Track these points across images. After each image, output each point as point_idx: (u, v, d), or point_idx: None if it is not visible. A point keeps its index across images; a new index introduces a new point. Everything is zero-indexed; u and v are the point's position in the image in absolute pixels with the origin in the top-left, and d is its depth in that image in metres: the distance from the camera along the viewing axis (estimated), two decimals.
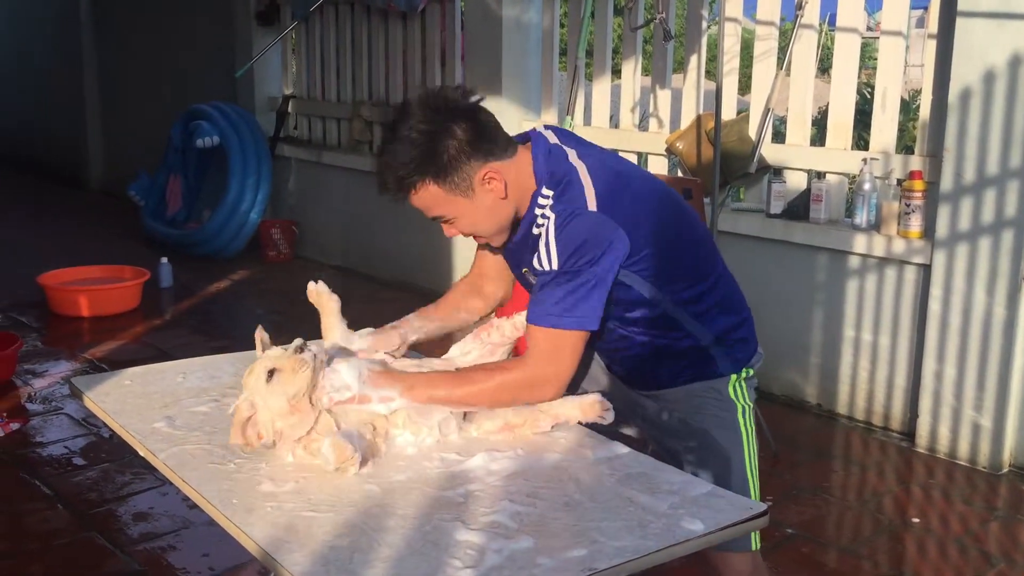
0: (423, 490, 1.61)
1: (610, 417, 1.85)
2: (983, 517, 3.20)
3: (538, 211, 1.81)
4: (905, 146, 5.48)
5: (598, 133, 4.90)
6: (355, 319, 2.01)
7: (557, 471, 1.70)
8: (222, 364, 2.19)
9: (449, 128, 1.74)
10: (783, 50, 4.15)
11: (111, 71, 8.97)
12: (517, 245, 1.89)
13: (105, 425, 3.55)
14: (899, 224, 3.69)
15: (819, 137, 4.32)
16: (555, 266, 1.76)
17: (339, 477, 1.65)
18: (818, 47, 4.10)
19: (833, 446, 3.78)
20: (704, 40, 4.55)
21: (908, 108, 7.72)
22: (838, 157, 3.99)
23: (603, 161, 1.86)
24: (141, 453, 1.81)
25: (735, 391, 1.95)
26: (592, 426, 1.95)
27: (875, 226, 3.81)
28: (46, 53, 9.73)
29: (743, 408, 1.95)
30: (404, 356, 2.00)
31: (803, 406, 4.07)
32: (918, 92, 6.77)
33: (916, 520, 3.16)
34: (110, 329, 5.01)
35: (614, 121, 5.05)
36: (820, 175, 4.04)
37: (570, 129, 4.52)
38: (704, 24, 4.54)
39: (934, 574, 2.85)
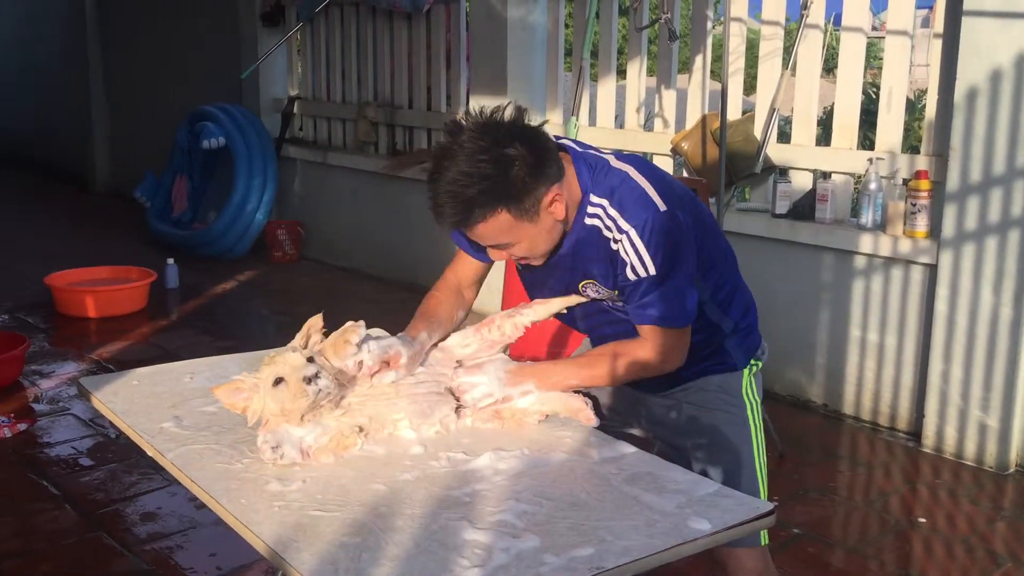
0: (430, 489, 1.61)
1: (593, 423, 1.88)
2: (989, 517, 3.19)
3: (590, 220, 1.80)
4: (911, 146, 5.46)
5: (603, 134, 4.91)
6: (369, 321, 2.01)
7: (564, 470, 1.71)
8: (229, 364, 2.19)
9: (513, 153, 1.69)
10: (788, 50, 4.15)
11: (117, 73, 8.99)
12: (567, 259, 1.86)
13: (112, 425, 3.56)
14: (905, 224, 3.69)
15: (824, 137, 4.31)
16: (652, 271, 1.77)
17: (347, 476, 1.66)
18: (823, 47, 4.09)
19: (839, 446, 3.78)
20: (709, 40, 4.55)
21: (913, 108, 7.70)
22: (844, 157, 3.99)
23: (637, 158, 1.90)
24: (149, 453, 1.82)
25: (746, 388, 1.96)
26: (599, 425, 1.95)
27: (881, 226, 3.81)
28: (52, 55, 9.76)
29: (752, 405, 1.97)
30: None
31: (809, 406, 4.07)
32: (923, 92, 6.76)
33: (922, 520, 3.16)
34: (117, 330, 5.02)
35: (619, 121, 5.05)
36: (826, 175, 4.04)
37: (575, 129, 4.57)
38: (709, 24, 4.54)
39: (940, 574, 2.85)
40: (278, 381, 1.70)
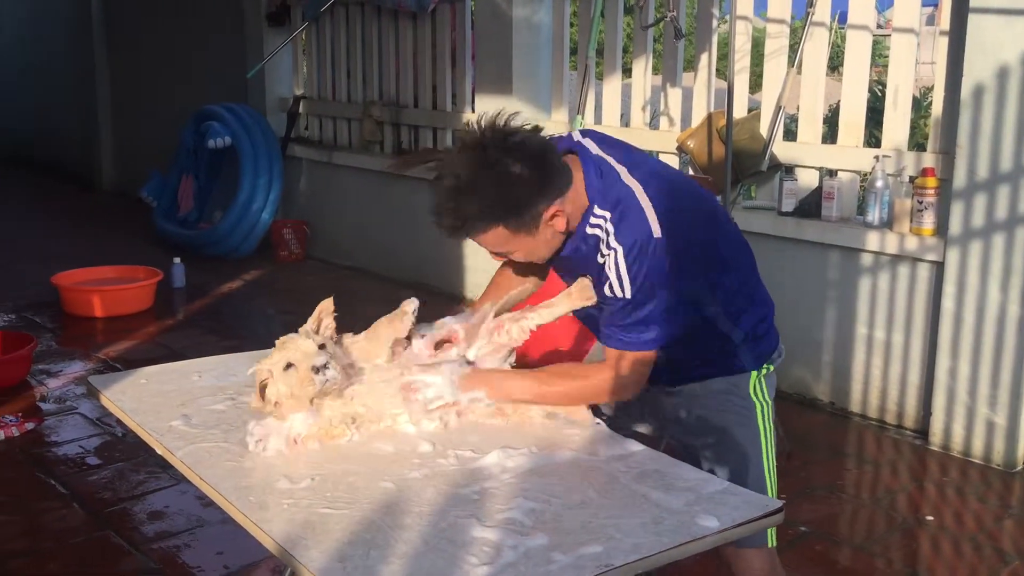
0: (439, 487, 1.62)
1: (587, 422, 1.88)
2: (997, 515, 3.19)
3: (591, 230, 1.81)
4: (917, 143, 5.46)
5: (608, 132, 4.88)
6: (375, 319, 2.03)
7: (571, 468, 1.71)
8: (237, 363, 2.20)
9: (517, 171, 1.71)
10: (794, 48, 4.15)
11: (122, 73, 9.01)
12: (569, 260, 1.89)
13: (119, 424, 3.58)
14: (912, 221, 3.68)
15: (830, 135, 4.31)
16: (627, 295, 1.77)
17: (356, 474, 1.66)
18: (829, 45, 4.09)
19: (846, 444, 3.77)
20: (715, 38, 4.54)
21: (920, 105, 7.69)
22: (850, 154, 3.98)
23: (652, 172, 1.86)
24: (158, 451, 1.82)
25: (755, 390, 1.96)
26: (607, 423, 1.95)
27: (887, 223, 3.80)
28: (58, 56, 9.77)
29: (762, 406, 1.96)
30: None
31: (815, 404, 4.06)
32: (929, 89, 6.75)
33: (930, 518, 3.15)
34: (124, 329, 5.03)
35: (625, 120, 5.05)
36: (832, 173, 4.03)
37: (580, 128, 4.56)
38: (715, 22, 4.54)
39: (948, 572, 2.84)
40: (288, 366, 1.76)
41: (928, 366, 3.70)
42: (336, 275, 6.23)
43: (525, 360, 2.00)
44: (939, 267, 3.61)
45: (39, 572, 2.78)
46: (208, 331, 5.10)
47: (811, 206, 4.00)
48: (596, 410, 2.09)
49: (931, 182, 3.62)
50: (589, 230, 1.81)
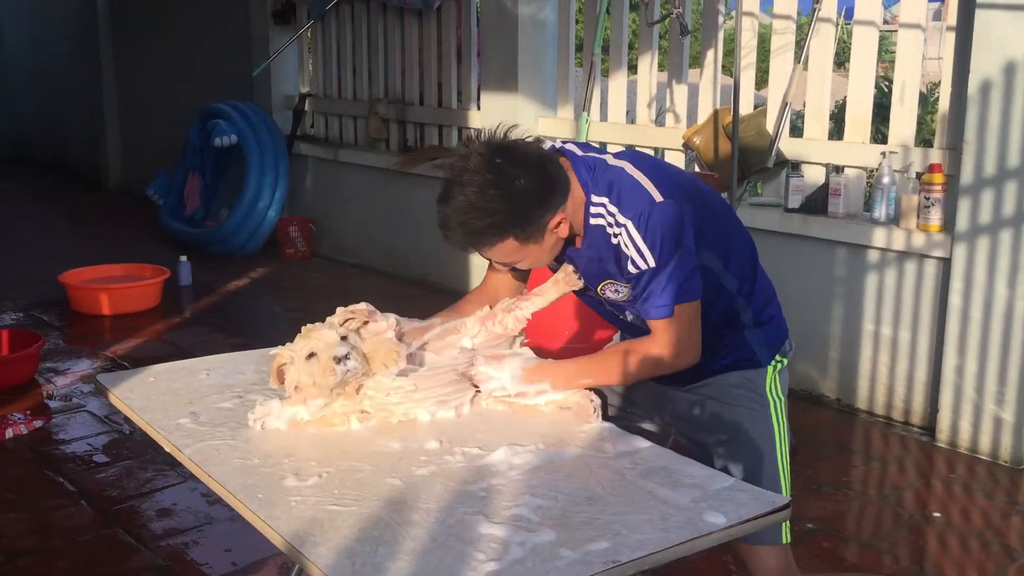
0: (446, 484, 1.62)
1: (593, 422, 1.89)
2: (1004, 511, 3.18)
3: (594, 220, 1.85)
4: (924, 139, 5.44)
5: (614, 129, 4.90)
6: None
7: (578, 465, 1.71)
8: (245, 361, 2.21)
9: (522, 184, 1.76)
10: (800, 44, 4.14)
11: (129, 72, 9.02)
12: (589, 262, 1.91)
13: (127, 422, 3.59)
14: (918, 218, 3.68)
15: (837, 131, 4.30)
16: (652, 263, 1.80)
17: (363, 471, 1.67)
18: (835, 41, 4.08)
19: (853, 441, 3.77)
20: (721, 35, 4.54)
21: (926, 101, 7.67)
22: (856, 151, 3.97)
23: (636, 154, 1.94)
24: (167, 449, 1.83)
25: (770, 386, 1.96)
26: (613, 420, 1.96)
27: (894, 220, 3.80)
28: (64, 55, 9.80)
29: (775, 403, 1.96)
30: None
31: (822, 400, 4.06)
32: (936, 85, 6.73)
33: (937, 515, 3.15)
34: (131, 327, 5.05)
35: (630, 117, 5.04)
36: (838, 169, 4.02)
37: (586, 125, 4.56)
38: (720, 19, 4.53)
39: (955, 569, 2.84)
40: (311, 355, 1.80)
41: (935, 363, 3.70)
42: (342, 272, 6.24)
43: (543, 353, 2.01)
44: (946, 263, 3.60)
45: (48, 570, 2.79)
46: (215, 329, 5.11)
47: (817, 202, 4.00)
48: (605, 410, 2.10)
49: (938, 178, 3.61)
50: (593, 221, 1.85)
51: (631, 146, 4.87)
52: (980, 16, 3.38)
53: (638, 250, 1.80)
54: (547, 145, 1.97)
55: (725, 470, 1.88)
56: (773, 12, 4.24)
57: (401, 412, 1.87)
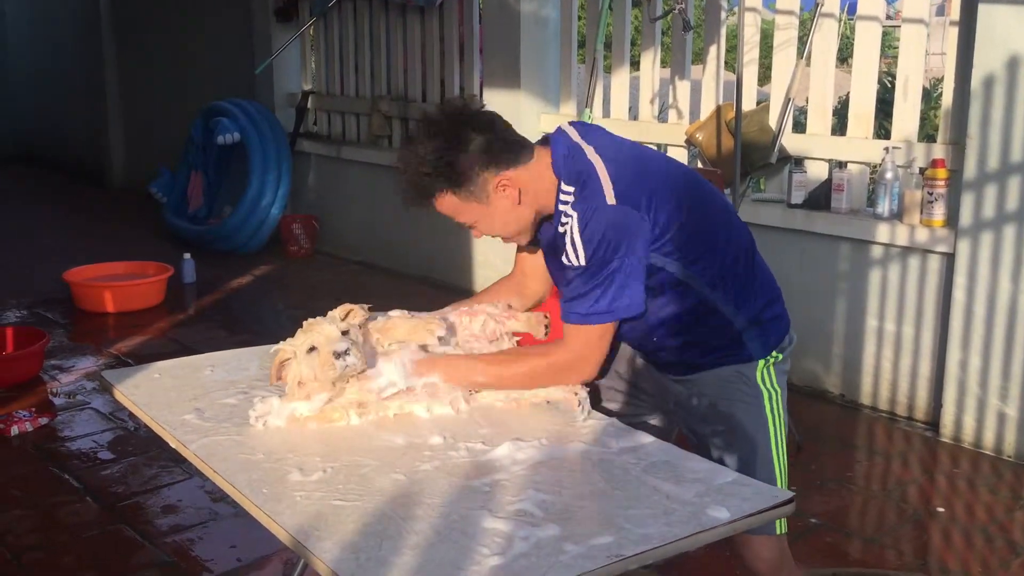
0: (450, 479, 1.62)
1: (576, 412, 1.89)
2: (1008, 506, 3.18)
3: (562, 207, 1.87)
4: (927, 134, 5.44)
5: (617, 125, 4.90)
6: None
7: (582, 460, 1.72)
8: (249, 357, 2.21)
9: (465, 141, 1.83)
10: (803, 40, 4.14)
11: (131, 70, 9.03)
12: (552, 243, 1.93)
13: (131, 418, 3.60)
14: (922, 213, 3.67)
15: (840, 127, 4.30)
16: (582, 261, 1.81)
17: (367, 467, 1.67)
18: (838, 36, 4.07)
19: (856, 436, 3.77)
20: (723, 31, 4.53)
21: (929, 96, 7.66)
22: (859, 146, 3.97)
23: (620, 150, 1.92)
24: (172, 444, 1.84)
25: (762, 377, 1.95)
26: (618, 414, 1.96)
27: (897, 215, 3.79)
28: (67, 54, 9.80)
29: (769, 394, 1.96)
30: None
31: (826, 396, 4.06)
32: (939, 80, 6.72)
33: (941, 509, 3.15)
34: (135, 324, 5.06)
35: (633, 113, 5.04)
36: (841, 164, 4.02)
37: (589, 121, 4.56)
38: (723, 14, 4.53)
39: (959, 563, 2.84)
40: (311, 349, 1.82)
41: (939, 358, 3.70)
42: (345, 270, 6.24)
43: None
44: (950, 258, 3.60)
45: (53, 566, 2.80)
46: (219, 326, 5.12)
47: (821, 198, 4.00)
48: (594, 400, 2.10)
49: (941, 173, 3.61)
50: (560, 207, 1.87)
51: (641, 146, 4.87)
52: (983, 11, 3.37)
53: (573, 244, 1.81)
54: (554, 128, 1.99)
55: (721, 461, 1.89)
56: (776, 8, 4.24)
57: (396, 405, 1.88)
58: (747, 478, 1.66)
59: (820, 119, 4.12)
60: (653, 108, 4.81)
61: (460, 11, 5.78)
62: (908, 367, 3.81)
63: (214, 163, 6.96)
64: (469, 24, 5.74)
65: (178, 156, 7.30)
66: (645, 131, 4.75)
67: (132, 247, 6.46)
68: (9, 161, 10.87)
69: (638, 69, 4.90)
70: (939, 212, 3.62)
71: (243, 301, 5.65)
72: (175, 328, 5.07)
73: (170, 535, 2.94)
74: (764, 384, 1.96)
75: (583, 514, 1.51)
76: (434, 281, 5.80)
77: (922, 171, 3.73)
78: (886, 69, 6.92)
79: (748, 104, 4.22)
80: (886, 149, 3.80)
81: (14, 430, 3.66)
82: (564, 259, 1.84)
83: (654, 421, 2.10)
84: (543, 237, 1.98)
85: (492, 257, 5.34)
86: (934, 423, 3.72)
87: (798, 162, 4.13)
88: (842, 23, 4.15)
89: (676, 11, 4.20)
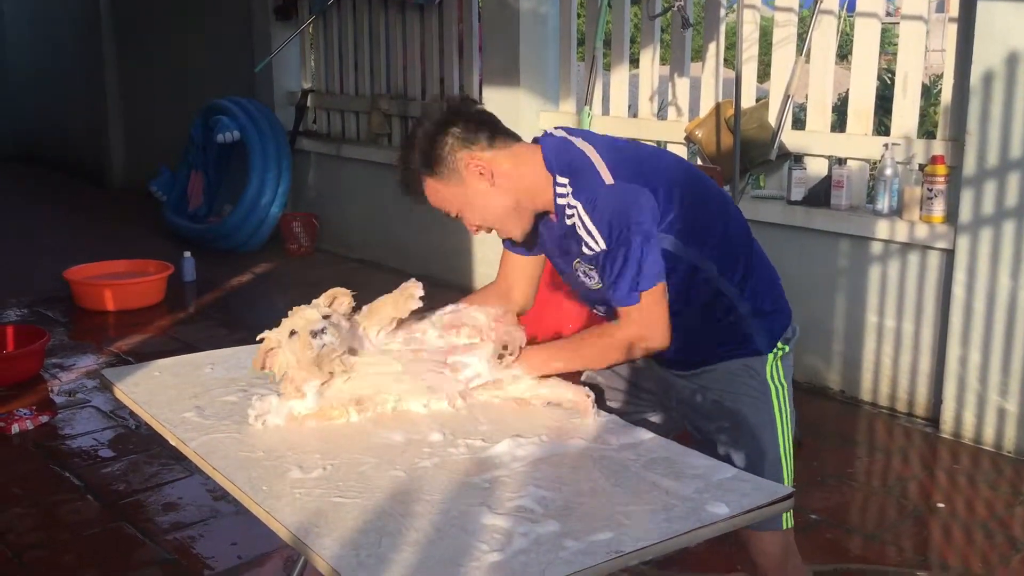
0: (449, 476, 1.63)
1: (589, 417, 1.89)
2: (1008, 502, 3.19)
3: (561, 200, 1.88)
4: (927, 131, 5.43)
5: (616, 122, 4.90)
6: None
7: (582, 457, 1.72)
8: (248, 355, 2.20)
9: (446, 126, 1.89)
10: (802, 36, 4.13)
11: (131, 69, 9.03)
12: (560, 239, 1.94)
13: (132, 416, 3.61)
14: (921, 209, 3.67)
15: (840, 123, 4.30)
16: (603, 245, 1.82)
17: (367, 463, 1.68)
18: (837, 33, 4.07)
19: (857, 432, 3.77)
20: (722, 28, 4.53)
21: (929, 93, 7.65)
22: (859, 143, 3.97)
23: (611, 140, 1.96)
24: (172, 442, 1.84)
25: (771, 372, 1.96)
26: (618, 411, 1.96)
27: (897, 212, 3.79)
28: (67, 53, 9.81)
29: (777, 390, 1.96)
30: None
31: (826, 392, 4.06)
32: (939, 77, 6.72)
33: (941, 505, 3.15)
34: (135, 323, 5.06)
35: (632, 110, 5.04)
36: (841, 161, 4.02)
37: (588, 119, 4.56)
38: (722, 11, 4.53)
39: (959, 559, 2.84)
40: (292, 333, 1.84)
41: (939, 354, 3.70)
42: (345, 268, 6.25)
43: (534, 343, 2.02)
44: (949, 255, 3.60)
45: (54, 564, 2.80)
46: (219, 324, 5.12)
47: (820, 195, 4.00)
48: (600, 402, 2.10)
49: (941, 170, 3.61)
50: (559, 201, 1.89)
51: (634, 139, 4.87)
52: (982, 7, 3.37)
53: (588, 232, 1.83)
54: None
55: (727, 457, 1.89)
56: (775, 4, 4.23)
57: (393, 400, 1.88)
58: (746, 474, 1.67)
59: (819, 116, 4.12)
60: (652, 105, 4.81)
61: (459, 9, 5.78)
62: (908, 363, 3.82)
63: (214, 162, 6.96)
64: (468, 22, 5.74)
65: (178, 155, 7.30)
66: (644, 128, 4.75)
67: (132, 246, 6.46)
68: (9, 160, 10.88)
69: (637, 66, 4.89)
70: (939, 208, 3.62)
71: (243, 299, 5.66)
72: (175, 326, 5.07)
73: (171, 533, 2.95)
74: (773, 380, 1.96)
75: (583, 510, 1.51)
76: (434, 278, 5.78)
77: (922, 167, 3.73)
78: (886, 66, 6.92)
79: (747, 101, 4.22)
80: (886, 146, 3.80)
81: (15, 428, 3.67)
82: (585, 249, 1.84)
83: (654, 419, 2.10)
84: (548, 239, 1.99)
85: (491, 253, 5.33)
86: (934, 419, 3.72)
87: (798, 159, 4.13)
88: (841, 20, 4.14)
89: (675, 8, 4.20)
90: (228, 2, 7.43)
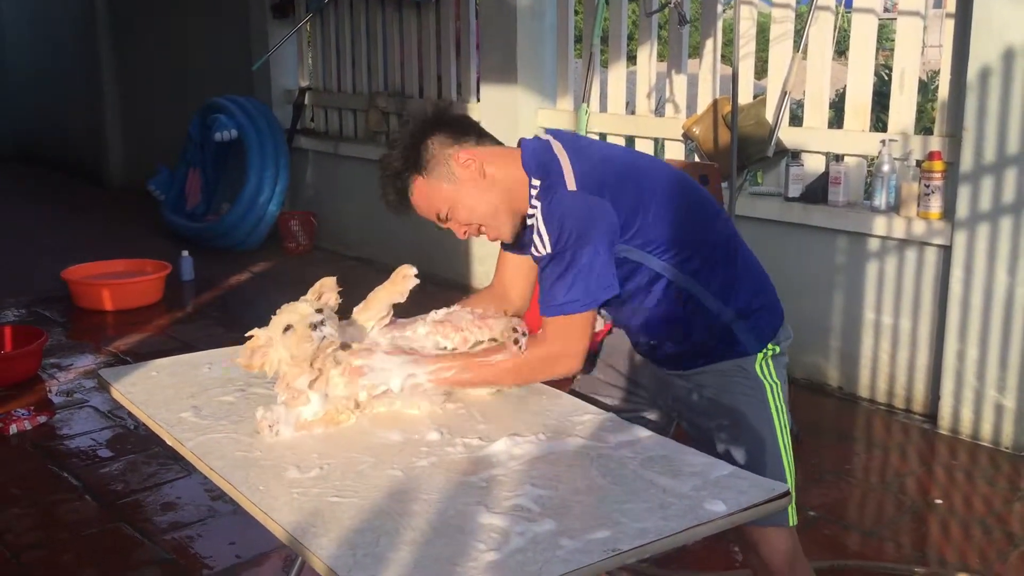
0: (446, 475, 1.63)
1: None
2: (1006, 498, 3.19)
3: (533, 202, 1.90)
4: (924, 127, 5.44)
5: (614, 120, 4.90)
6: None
7: (579, 455, 1.72)
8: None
9: (428, 130, 1.92)
10: (799, 33, 4.13)
11: (129, 68, 9.03)
12: (530, 241, 1.94)
13: (131, 416, 3.60)
14: (919, 205, 3.67)
15: (837, 120, 4.30)
16: (548, 249, 1.83)
17: (364, 463, 1.67)
18: (835, 29, 4.07)
19: (855, 429, 3.78)
20: (720, 24, 4.53)
21: (926, 89, 7.65)
22: (856, 139, 3.97)
23: (588, 145, 1.97)
24: (168, 442, 1.84)
25: (761, 369, 1.95)
26: (617, 409, 1.96)
27: (894, 208, 3.79)
28: (66, 53, 9.80)
29: (771, 386, 1.95)
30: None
31: (824, 389, 4.07)
32: (936, 73, 6.72)
33: (939, 501, 3.16)
34: (133, 322, 5.06)
35: (630, 107, 5.04)
36: (838, 157, 4.02)
37: (586, 116, 4.56)
38: (719, 8, 4.52)
39: (957, 555, 2.85)
40: (287, 328, 1.83)
41: (936, 350, 3.70)
42: (344, 265, 6.24)
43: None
44: (946, 251, 3.60)
45: (53, 564, 2.80)
46: (217, 323, 5.12)
47: (818, 191, 4.00)
48: (605, 396, 2.10)
49: (938, 166, 3.61)
50: (534, 202, 1.89)
51: (631, 137, 4.87)
52: (979, 2, 3.37)
53: (539, 234, 1.83)
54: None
55: (727, 454, 1.88)
56: (772, 1, 4.23)
57: (383, 403, 1.86)
58: (744, 471, 1.66)
59: (817, 112, 4.12)
60: (650, 102, 4.81)
61: (456, 6, 5.78)
62: (906, 359, 3.82)
63: (212, 160, 6.96)
64: (465, 19, 5.74)
65: (176, 154, 7.30)
66: (642, 125, 4.75)
67: (130, 245, 6.46)
68: (8, 160, 10.87)
69: (635, 63, 4.89)
70: (936, 204, 3.62)
71: (241, 298, 5.66)
72: (174, 326, 5.07)
73: (169, 532, 2.95)
74: (764, 376, 1.95)
75: (580, 509, 1.51)
76: (432, 277, 5.79)
77: (919, 163, 3.73)
78: (883, 62, 6.92)
79: (745, 98, 4.22)
80: (883, 142, 3.80)
81: (13, 429, 3.67)
82: (534, 251, 1.85)
83: (651, 416, 2.10)
84: (530, 245, 1.98)
85: (489, 251, 5.33)
86: (932, 415, 3.72)
87: (795, 155, 4.13)
88: (839, 16, 4.14)
89: (672, 5, 4.20)
90: (226, 1, 7.42)
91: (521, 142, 1.97)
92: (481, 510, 1.50)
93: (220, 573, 2.75)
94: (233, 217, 6.48)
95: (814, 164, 4.12)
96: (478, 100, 5.64)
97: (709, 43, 4.49)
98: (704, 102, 4.46)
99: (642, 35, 4.81)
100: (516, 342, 1.88)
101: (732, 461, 1.79)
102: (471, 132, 1.94)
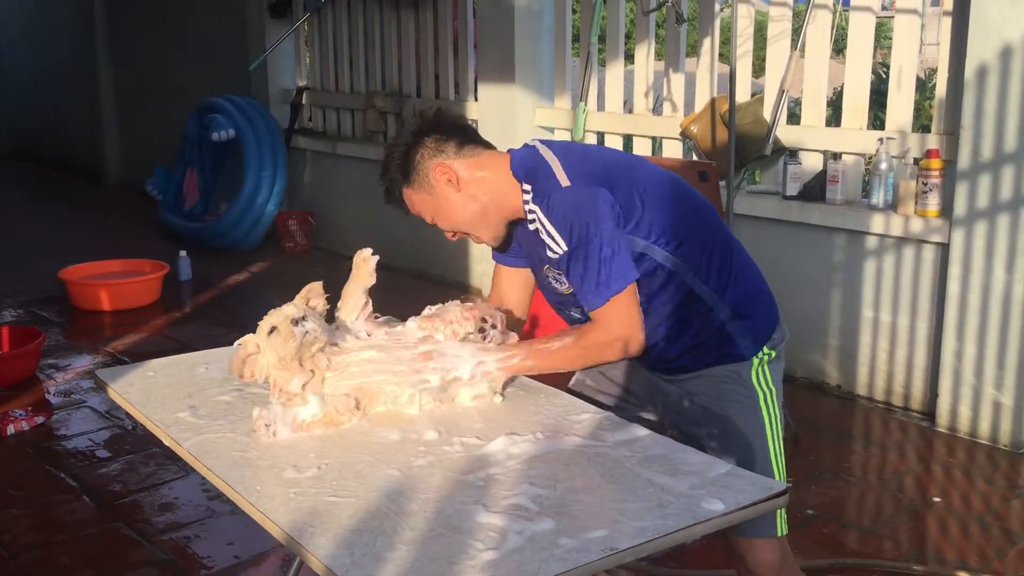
0: (444, 474, 1.62)
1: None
2: (1004, 495, 3.19)
3: (527, 207, 1.91)
4: (921, 125, 5.44)
5: (612, 118, 4.90)
6: (382, 309, 2.07)
7: (577, 454, 1.71)
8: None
9: (418, 141, 1.95)
10: (797, 31, 4.13)
11: (126, 68, 9.02)
12: (532, 247, 1.96)
13: (128, 417, 3.60)
14: (916, 203, 3.67)
15: (834, 118, 4.30)
16: (564, 247, 1.84)
17: (362, 463, 1.67)
18: (832, 27, 4.07)
19: (853, 427, 3.78)
20: (717, 23, 4.53)
21: (924, 87, 7.65)
22: (854, 137, 3.97)
23: (582, 148, 2.00)
24: (166, 442, 1.83)
25: (757, 377, 1.94)
26: (613, 411, 1.96)
27: (892, 206, 3.79)
28: (62, 53, 9.80)
29: (765, 395, 1.94)
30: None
31: (823, 387, 4.07)
32: (934, 71, 6.71)
33: (937, 499, 3.16)
34: (131, 322, 5.06)
35: (628, 106, 5.03)
36: (836, 156, 4.02)
37: (583, 115, 4.56)
38: (717, 6, 4.52)
39: (956, 553, 2.85)
40: (272, 330, 1.83)
41: (934, 348, 3.70)
42: (342, 265, 6.17)
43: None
44: (944, 249, 3.60)
45: (50, 565, 2.80)
46: (215, 323, 5.12)
47: (815, 189, 4.00)
48: (597, 402, 2.10)
49: (935, 163, 3.61)
50: (526, 207, 1.91)
51: (629, 135, 4.87)
52: (976, 1, 3.37)
53: (550, 235, 1.85)
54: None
55: None
56: None
57: (406, 396, 1.86)
58: (742, 470, 1.66)
59: (815, 110, 4.12)
60: (648, 101, 4.80)
61: (454, 5, 5.77)
62: (904, 357, 3.82)
63: (209, 160, 6.95)
64: (463, 18, 5.74)
65: (173, 153, 7.29)
66: (640, 124, 4.75)
67: (128, 245, 6.46)
68: (7, 159, 10.86)
69: (632, 62, 4.89)
70: (934, 202, 3.62)
71: (239, 298, 5.65)
72: (171, 326, 5.07)
73: (167, 533, 2.94)
74: (760, 384, 1.94)
75: (578, 508, 1.51)
76: (430, 276, 5.79)
77: (916, 161, 3.73)
78: (881, 60, 6.93)
79: (742, 96, 4.22)
80: (881, 140, 3.80)
81: (10, 429, 3.66)
82: (549, 253, 1.86)
83: (649, 416, 2.09)
84: (527, 248, 2.00)
85: (487, 251, 5.33)
86: (930, 413, 3.72)
87: (793, 154, 4.13)
88: (836, 14, 4.14)
89: (670, 3, 4.19)
90: (223, 0, 7.41)
91: (512, 150, 1.99)
92: (479, 509, 1.49)
93: (218, 573, 2.74)
94: (231, 217, 6.48)
95: (812, 162, 4.12)
96: (476, 99, 5.63)
97: (707, 42, 4.49)
98: (702, 101, 4.46)
99: (640, 34, 4.80)
100: (482, 331, 1.92)
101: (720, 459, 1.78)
102: (455, 140, 1.95)
